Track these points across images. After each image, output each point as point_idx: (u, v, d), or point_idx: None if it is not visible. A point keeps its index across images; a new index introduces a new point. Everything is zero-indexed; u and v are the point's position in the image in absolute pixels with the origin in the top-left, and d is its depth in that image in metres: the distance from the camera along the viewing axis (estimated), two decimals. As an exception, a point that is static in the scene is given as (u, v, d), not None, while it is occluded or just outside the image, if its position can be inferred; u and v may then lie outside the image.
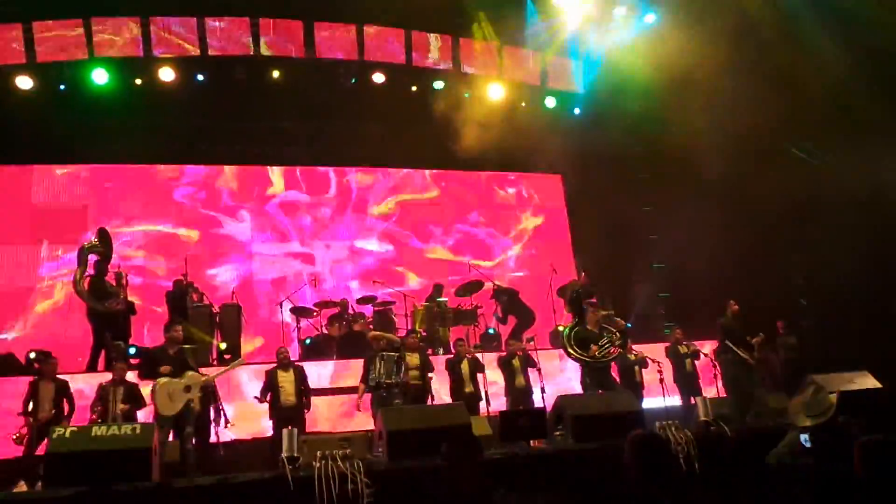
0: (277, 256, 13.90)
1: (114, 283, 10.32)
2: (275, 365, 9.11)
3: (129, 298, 10.64)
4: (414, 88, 14.06)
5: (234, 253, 13.74)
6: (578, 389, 9.52)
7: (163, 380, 7.42)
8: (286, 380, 8.87)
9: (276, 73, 13.24)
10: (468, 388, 9.45)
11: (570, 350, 8.97)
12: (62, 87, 12.55)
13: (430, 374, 9.46)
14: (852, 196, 10.76)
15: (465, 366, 9.61)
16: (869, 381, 7.64)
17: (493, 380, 9.75)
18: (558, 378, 10.86)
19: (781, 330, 11.38)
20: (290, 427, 6.06)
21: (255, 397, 8.95)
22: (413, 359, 9.29)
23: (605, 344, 8.87)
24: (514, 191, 15.93)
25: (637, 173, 15.36)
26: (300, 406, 8.86)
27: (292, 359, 9.63)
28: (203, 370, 8.12)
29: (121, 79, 12.64)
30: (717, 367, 10.21)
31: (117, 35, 12.34)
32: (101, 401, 8.22)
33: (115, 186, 13.46)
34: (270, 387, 8.88)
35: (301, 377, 9.03)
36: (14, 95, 12.22)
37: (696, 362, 10.66)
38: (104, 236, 10.41)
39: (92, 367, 9.99)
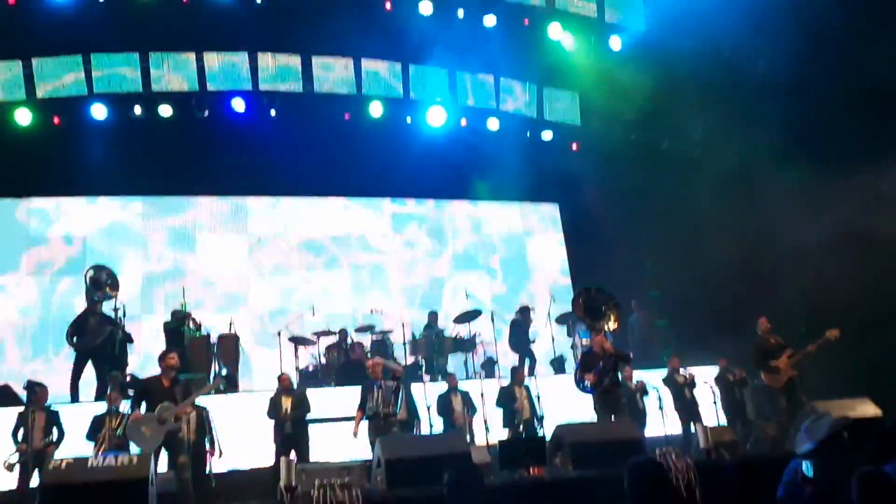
0: (274, 285, 13.92)
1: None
2: (277, 389, 9.13)
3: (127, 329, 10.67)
4: (409, 120, 14.14)
5: (231, 281, 13.77)
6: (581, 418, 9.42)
7: (134, 415, 7.43)
8: (287, 404, 8.87)
9: (273, 109, 13.36)
10: (459, 423, 9.42)
11: (574, 377, 8.95)
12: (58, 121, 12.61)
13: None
14: (849, 224, 10.79)
15: (456, 400, 9.59)
16: (870, 409, 7.61)
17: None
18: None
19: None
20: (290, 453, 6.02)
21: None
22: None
23: (603, 372, 8.77)
24: (513, 220, 15.98)
25: (633, 201, 15.45)
26: (303, 432, 8.85)
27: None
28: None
29: (118, 114, 12.73)
30: (717, 394, 10.13)
31: (115, 71, 12.45)
32: (97, 431, 8.24)
33: (114, 218, 13.57)
34: (274, 411, 8.87)
35: (302, 402, 9.02)
36: (13, 130, 12.31)
37: (695, 390, 10.62)
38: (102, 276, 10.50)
39: (74, 398, 10.03)
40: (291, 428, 8.80)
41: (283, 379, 9.29)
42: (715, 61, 12.88)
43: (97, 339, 10.11)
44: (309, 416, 9.20)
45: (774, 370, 9.42)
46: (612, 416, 8.50)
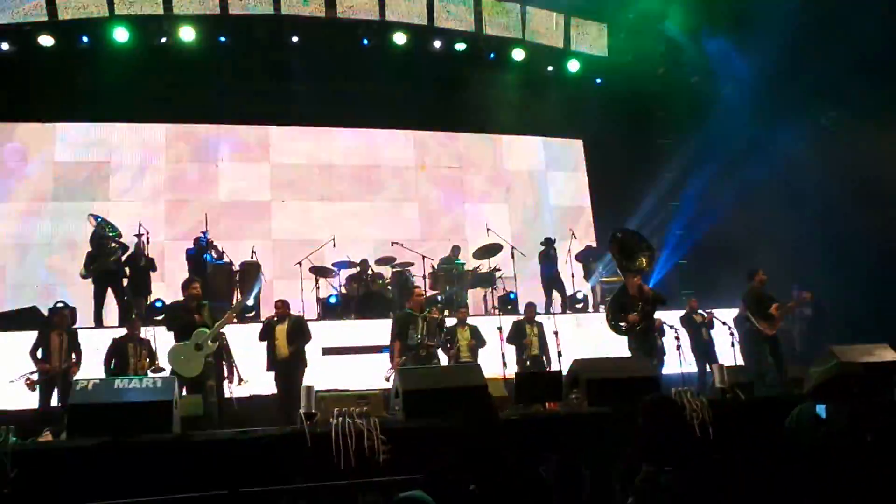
0: (296, 215, 13.96)
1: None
2: (273, 316, 9.19)
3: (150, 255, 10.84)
4: (438, 44, 13.83)
5: (253, 211, 13.83)
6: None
7: (175, 345, 7.58)
8: (281, 332, 8.93)
9: (294, 36, 13.16)
10: (465, 356, 9.52)
11: (608, 317, 8.91)
12: (83, 44, 12.53)
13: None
14: (871, 168, 10.61)
15: (463, 334, 9.67)
16: (889, 354, 7.57)
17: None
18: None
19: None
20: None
21: None
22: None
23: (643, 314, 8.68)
24: (536, 155, 15.81)
25: (659, 138, 15.23)
26: (295, 359, 8.86)
27: (299, 313, 9.75)
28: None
29: (141, 38, 12.61)
30: (735, 335, 10.12)
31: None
32: (117, 355, 8.45)
33: (134, 144, 13.59)
34: (266, 338, 8.98)
35: (297, 329, 9.00)
36: (36, 54, 12.25)
37: (712, 331, 10.64)
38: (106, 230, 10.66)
39: (98, 322, 10.28)
40: (288, 355, 8.86)
41: (277, 306, 9.28)
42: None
43: (111, 259, 10.32)
44: (327, 346, 9.29)
45: (770, 317, 9.45)
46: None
